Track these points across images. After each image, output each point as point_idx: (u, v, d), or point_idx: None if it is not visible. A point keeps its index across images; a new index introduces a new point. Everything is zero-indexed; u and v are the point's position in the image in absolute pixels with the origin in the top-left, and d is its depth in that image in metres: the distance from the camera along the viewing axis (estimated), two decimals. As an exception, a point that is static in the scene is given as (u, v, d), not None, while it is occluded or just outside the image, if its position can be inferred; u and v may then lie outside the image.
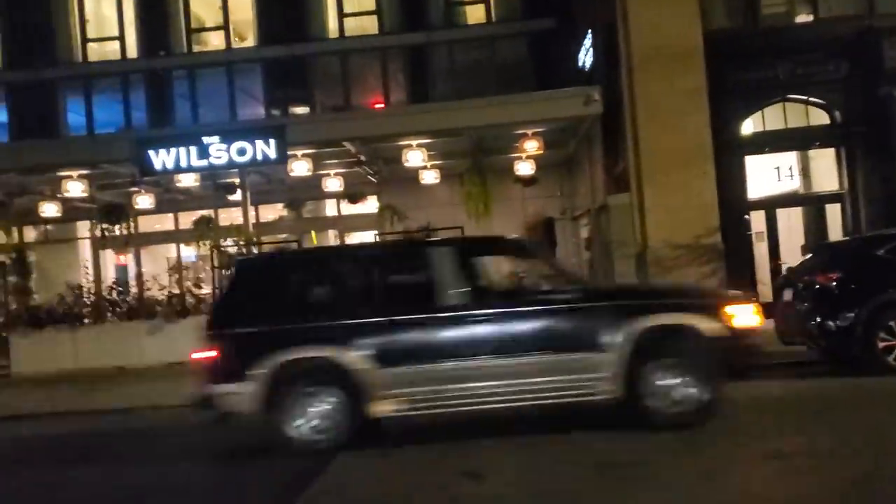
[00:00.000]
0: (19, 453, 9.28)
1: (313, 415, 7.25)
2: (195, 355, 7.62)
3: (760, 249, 15.10)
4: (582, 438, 7.29)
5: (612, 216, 14.95)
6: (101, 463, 8.20)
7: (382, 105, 22.90)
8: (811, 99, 15.12)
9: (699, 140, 14.50)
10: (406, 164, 16.93)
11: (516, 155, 17.55)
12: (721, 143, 14.65)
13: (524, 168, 17.66)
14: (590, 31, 16.78)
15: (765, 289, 14.73)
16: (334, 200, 22.20)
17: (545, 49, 22.80)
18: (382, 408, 7.26)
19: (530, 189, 19.09)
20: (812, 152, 15.76)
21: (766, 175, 15.61)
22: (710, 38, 14.55)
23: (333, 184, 19.15)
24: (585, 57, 17.44)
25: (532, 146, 16.22)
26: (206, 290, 17.26)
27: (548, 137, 16.48)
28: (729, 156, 14.83)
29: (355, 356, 7.21)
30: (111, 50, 24.76)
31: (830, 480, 5.52)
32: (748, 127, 15.29)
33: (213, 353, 7.49)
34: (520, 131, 16.13)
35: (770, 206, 15.26)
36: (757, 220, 15.15)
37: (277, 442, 7.36)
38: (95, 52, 24.82)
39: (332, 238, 22.78)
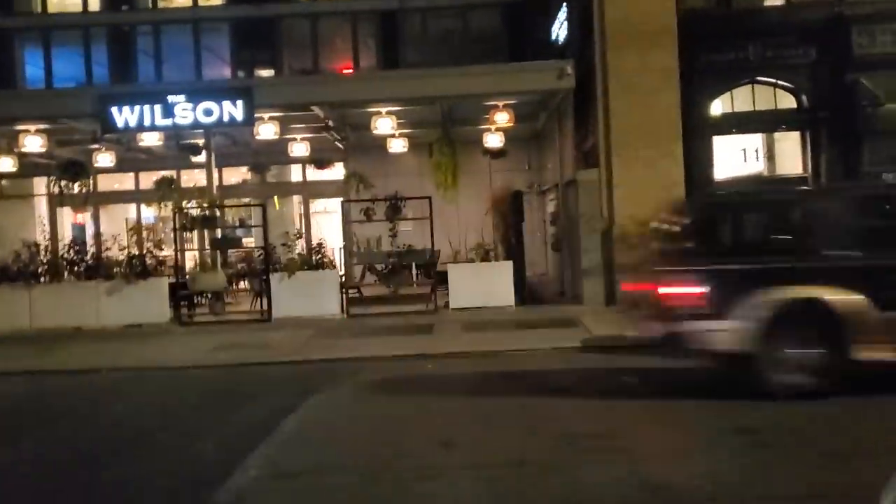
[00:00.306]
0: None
1: (798, 357, 7.08)
2: (664, 290, 7.37)
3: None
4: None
5: (580, 191, 14.97)
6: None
7: (351, 70, 22.58)
8: (779, 82, 15.24)
9: (669, 118, 14.59)
10: (374, 132, 16.73)
11: (485, 127, 17.45)
12: (690, 123, 14.75)
13: (493, 140, 17.57)
14: (564, 4, 16.67)
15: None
16: (300, 166, 21.92)
17: (519, 21, 22.62)
18: (871, 354, 7.02)
19: (498, 162, 19.03)
20: (778, 135, 15.92)
21: (733, 156, 15.76)
22: (683, 17, 14.59)
23: (300, 149, 18.90)
24: (559, 30, 17.37)
25: (502, 118, 16.13)
26: (166, 251, 16.97)
27: (518, 110, 16.39)
28: (697, 135, 14.93)
29: (848, 298, 6.97)
30: (72, 2, 24.00)
31: None
32: (717, 107, 15.38)
33: (697, 290, 7.20)
34: (491, 103, 16.01)
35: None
36: (722, 200, 15.24)
37: (755, 383, 7.16)
38: (55, 4, 24.04)
39: (295, 204, 22.55)
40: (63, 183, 16.87)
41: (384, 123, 16.41)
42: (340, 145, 20.08)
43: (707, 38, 14.96)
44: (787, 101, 15.33)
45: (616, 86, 14.60)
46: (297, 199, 22.58)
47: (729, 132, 15.45)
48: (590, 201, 14.84)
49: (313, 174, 21.58)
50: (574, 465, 5.55)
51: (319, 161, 19.79)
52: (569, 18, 16.47)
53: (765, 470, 5.33)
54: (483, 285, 15.24)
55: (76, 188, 17.00)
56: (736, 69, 15.13)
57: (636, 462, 5.58)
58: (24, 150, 16.69)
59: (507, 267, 15.32)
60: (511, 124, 16.34)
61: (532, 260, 18.57)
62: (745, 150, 15.79)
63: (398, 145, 18.34)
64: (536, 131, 20.13)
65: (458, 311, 14.97)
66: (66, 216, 22.54)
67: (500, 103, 15.91)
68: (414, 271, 16.41)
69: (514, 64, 16.14)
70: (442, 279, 15.63)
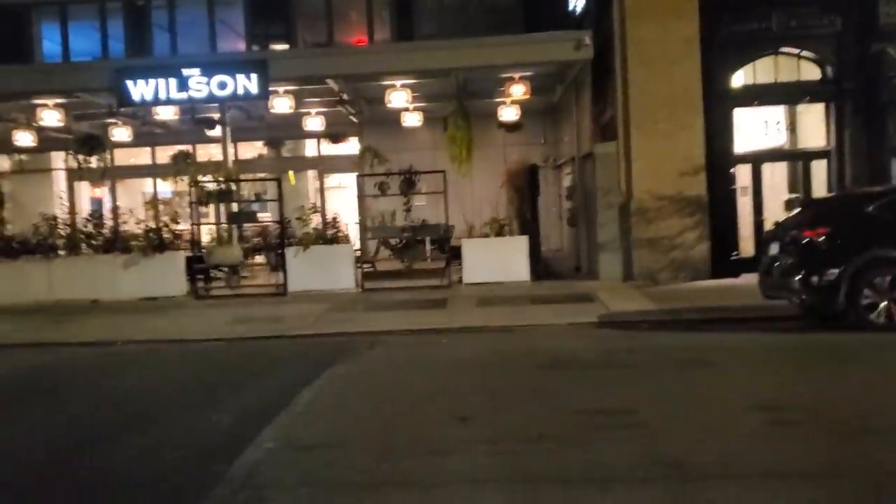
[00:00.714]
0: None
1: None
2: None
3: (744, 204, 15.04)
4: None
5: (598, 165, 14.79)
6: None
7: (366, 43, 22.37)
8: (803, 53, 14.92)
9: (689, 90, 14.38)
10: (389, 106, 16.62)
11: (501, 100, 17.28)
12: (710, 94, 14.53)
13: (508, 113, 17.40)
14: (583, -27, 16.38)
15: (747, 244, 14.75)
16: (314, 140, 21.85)
17: (535, -8, 22.29)
18: None
19: (513, 136, 18.87)
20: (800, 107, 15.63)
21: (754, 129, 15.49)
22: (704, -15, 14.29)
23: (314, 123, 18.85)
24: (577, 0, 17.07)
25: (519, 90, 15.94)
26: (183, 225, 16.98)
27: (534, 83, 16.19)
28: (718, 107, 14.69)
29: None
30: (88, -25, 23.85)
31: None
32: (739, 79, 15.08)
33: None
34: (507, 75, 15.83)
35: (756, 160, 15.15)
36: (742, 174, 15.05)
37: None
38: (72, -23, 23.89)
39: (310, 178, 22.49)
40: (80, 157, 16.88)
41: (398, 97, 16.29)
42: (355, 119, 19.98)
43: (729, 8, 14.67)
44: (811, 73, 15.02)
45: (635, 56, 14.38)
46: (311, 173, 22.55)
47: (750, 104, 15.17)
48: (607, 175, 14.66)
49: (328, 149, 21.52)
50: (590, 441, 5.47)
51: (334, 135, 19.70)
52: (587, -12, 16.19)
53: (782, 447, 5.23)
54: (497, 260, 15.16)
55: (93, 162, 17.02)
56: (758, 39, 14.82)
57: (652, 438, 5.50)
58: (41, 124, 16.75)
59: (522, 242, 15.22)
60: (527, 97, 16.17)
61: (547, 235, 18.47)
62: (766, 122, 15.52)
63: (412, 119, 18.22)
64: (552, 104, 19.91)
65: (473, 286, 14.91)
66: (84, 190, 22.65)
67: (516, 75, 15.72)
68: (428, 246, 16.34)
69: (530, 35, 15.89)
70: (456, 254, 15.56)
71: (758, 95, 15.15)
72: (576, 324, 10.90)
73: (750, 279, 13.58)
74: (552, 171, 20.30)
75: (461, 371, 8.24)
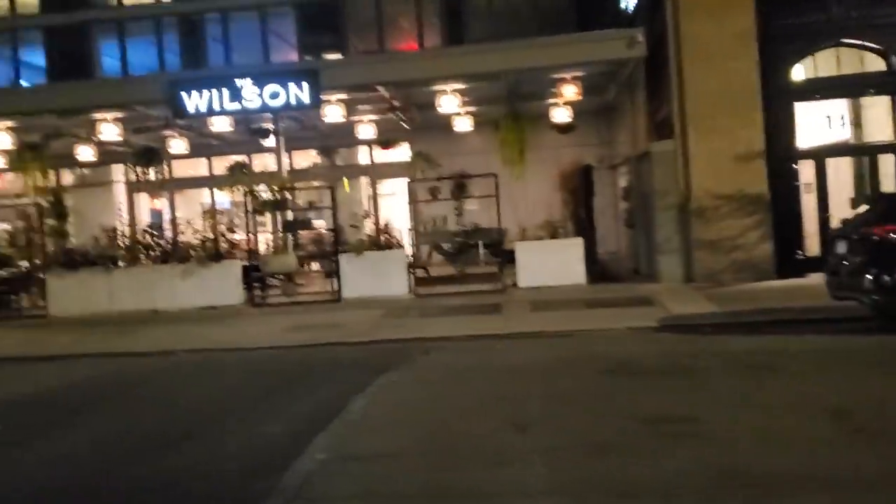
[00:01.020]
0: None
1: None
2: None
3: (808, 201, 14.53)
4: None
5: (655, 164, 14.45)
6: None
7: (416, 49, 22.39)
8: (866, 44, 14.35)
9: (747, 85, 14.00)
10: (439, 110, 16.55)
11: (552, 101, 17.05)
12: (770, 89, 14.13)
13: (561, 115, 17.17)
14: (635, -30, 16.08)
15: (812, 242, 14.26)
16: (366, 148, 21.95)
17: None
18: None
19: (566, 137, 18.59)
20: (865, 100, 15.06)
21: (816, 123, 14.97)
22: (761, -23, 13.89)
23: (366, 130, 18.92)
24: (628, -2, 16.78)
25: (571, 91, 15.71)
26: (239, 234, 17.20)
27: (586, 83, 15.94)
28: (777, 102, 14.26)
29: None
30: (144, -8, 24.47)
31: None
32: (798, 72, 14.60)
33: None
34: (558, 75, 15.61)
35: (819, 155, 14.63)
36: (805, 170, 14.55)
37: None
38: (129, -6, 24.53)
39: (363, 185, 22.57)
40: (139, 169, 17.21)
41: (449, 101, 16.23)
42: (406, 125, 19.97)
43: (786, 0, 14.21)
44: (875, 64, 14.45)
45: (690, 53, 14.05)
46: (364, 180, 22.63)
47: (812, 98, 14.67)
48: (665, 174, 14.33)
49: (380, 155, 21.57)
50: (656, 451, 5.25)
51: (385, 141, 19.71)
52: (639, -15, 15.88)
53: (856, 456, 4.95)
54: (552, 263, 14.94)
55: (151, 174, 17.34)
56: (818, 31, 14.31)
57: (721, 448, 5.26)
58: (101, 138, 17.13)
59: (578, 244, 14.98)
60: (579, 97, 15.92)
61: (603, 237, 18.16)
62: (829, 116, 14.98)
63: (463, 124, 18.14)
64: (606, 104, 19.60)
65: (527, 290, 14.72)
66: (144, 202, 23.14)
67: (568, 76, 15.50)
68: (481, 250, 16.20)
69: (582, 34, 15.66)
70: (509, 258, 15.38)
71: (819, 89, 14.65)
72: (636, 328, 10.63)
73: (816, 279, 13.12)
74: (607, 172, 19.96)
75: (518, 378, 8.08)
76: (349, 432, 6.34)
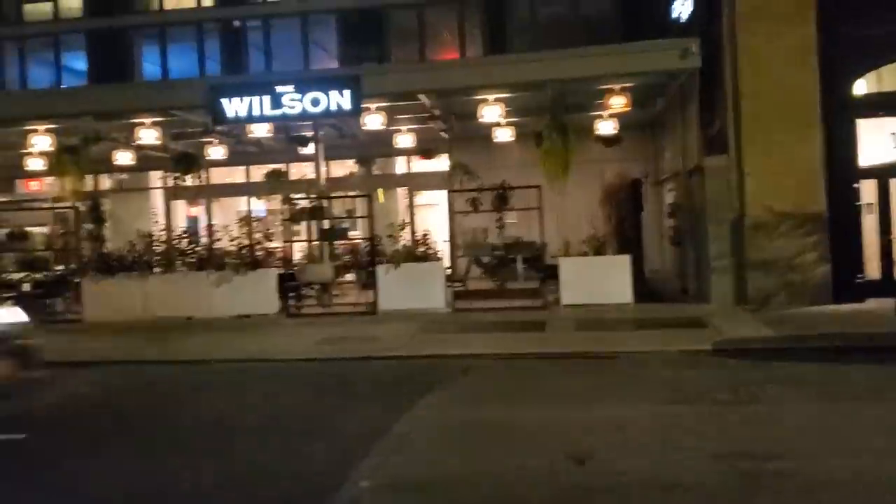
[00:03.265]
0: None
1: None
2: None
3: (869, 222, 13.85)
4: None
5: (707, 180, 13.86)
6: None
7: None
8: (935, 58, 13.69)
9: (806, 99, 13.43)
10: (481, 120, 16.13)
11: (597, 113, 16.53)
12: (830, 104, 13.51)
13: (606, 127, 16.63)
14: (690, -21, 15.55)
15: (872, 265, 13.58)
16: (404, 158, 21.63)
17: (632, 3, 21.56)
18: None
19: (610, 151, 18.02)
20: (932, 118, 14.34)
21: (880, 141, 14.25)
22: (822, -12, 13.33)
23: (405, 140, 18.58)
24: (682, 7, 16.24)
25: (619, 102, 15.17)
26: (275, 243, 16.92)
27: (634, 95, 15.41)
28: (838, 118, 13.63)
29: None
30: (186, -2, 24.54)
31: None
32: (861, 87, 13.96)
33: None
34: (606, 86, 15.11)
35: (883, 174, 13.90)
36: (867, 189, 13.88)
37: None
38: (171, 0, 24.62)
39: (400, 196, 22.25)
40: (176, 175, 17.03)
41: (491, 111, 15.80)
42: (445, 136, 19.60)
43: (849, 12, 13.58)
44: (945, 79, 13.77)
45: (746, 65, 13.51)
46: (401, 191, 22.30)
47: (875, 114, 13.99)
48: (717, 191, 13.75)
49: (418, 166, 21.25)
50: (737, 493, 4.73)
51: (426, 151, 19.35)
52: (694, -6, 15.35)
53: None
54: (597, 280, 14.40)
55: (189, 180, 17.15)
56: (883, 44, 13.63)
57: (810, 490, 4.73)
58: (140, 142, 16.98)
59: (624, 261, 14.43)
60: (627, 109, 15.39)
61: (647, 254, 17.55)
62: (894, 133, 14.26)
63: (504, 134, 17.70)
64: (653, 117, 19.05)
65: (570, 307, 14.19)
66: (181, 208, 23.05)
67: (617, 86, 14.98)
68: (520, 265, 15.73)
69: (632, 43, 15.12)
70: (550, 273, 14.87)
71: (883, 105, 13.97)
72: (689, 351, 10.07)
73: (878, 304, 12.50)
74: (652, 188, 19.39)
75: (568, 402, 7.60)
76: (393, 457, 5.92)
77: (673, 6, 16.96)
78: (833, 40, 13.48)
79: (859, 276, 13.49)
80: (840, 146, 13.61)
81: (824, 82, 13.43)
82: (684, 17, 16.08)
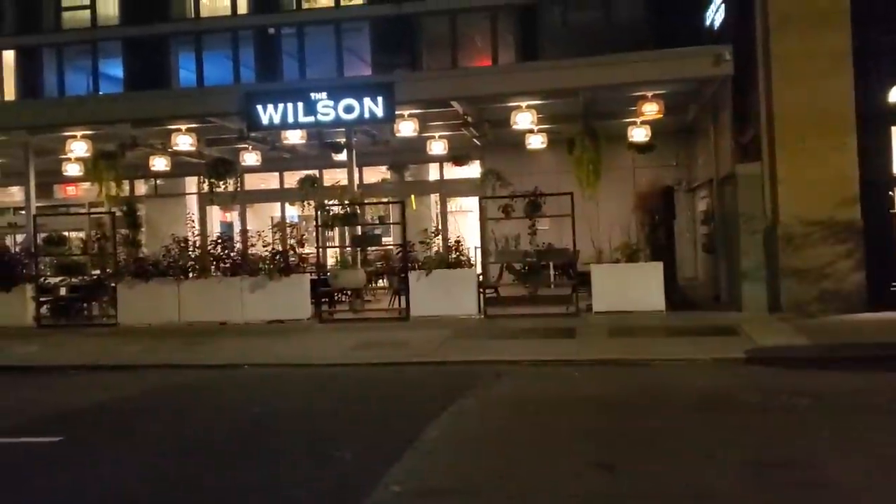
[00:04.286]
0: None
1: None
2: None
3: (906, 230, 13.66)
4: None
5: (740, 187, 13.74)
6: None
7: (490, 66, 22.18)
8: (974, 64, 13.47)
9: (840, 107, 13.27)
10: (514, 127, 16.18)
11: (630, 120, 16.51)
12: (865, 111, 13.36)
13: (639, 134, 16.59)
14: (723, -15, 15.48)
15: (909, 273, 13.39)
16: (437, 164, 21.74)
17: (664, 10, 21.48)
18: None
19: (643, 158, 17.98)
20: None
21: (917, 148, 14.08)
22: (857, -6, 13.19)
23: (437, 147, 18.68)
24: (715, 15, 16.17)
25: (651, 109, 15.14)
26: (309, 249, 17.09)
27: (667, 101, 15.35)
28: (873, 125, 13.48)
29: None
30: (222, 6, 24.89)
31: None
32: (896, 94, 13.79)
33: None
34: (638, 93, 15.08)
35: (920, 182, 13.75)
36: (903, 197, 13.70)
37: None
38: (207, 8, 25.00)
39: (433, 202, 22.35)
40: (212, 180, 17.27)
41: (524, 118, 15.85)
42: (478, 143, 19.67)
43: (886, 18, 13.45)
44: (984, 85, 13.52)
45: (780, 72, 13.39)
46: (434, 197, 22.41)
47: (912, 122, 13.81)
48: (750, 198, 13.64)
49: (450, 172, 21.32)
50: (769, 502, 4.72)
51: (458, 157, 19.42)
52: (726, 0, 15.26)
53: None
54: (629, 287, 14.35)
55: (223, 186, 17.38)
56: (922, 50, 13.49)
57: (841, 501, 4.71)
58: (176, 149, 17.27)
59: (657, 268, 14.36)
60: (659, 115, 15.35)
61: (680, 262, 17.44)
62: (932, 141, 14.08)
63: (536, 141, 17.73)
64: (685, 124, 18.96)
65: (603, 314, 14.15)
66: (216, 214, 23.36)
67: (649, 93, 14.95)
68: (552, 271, 15.70)
69: (664, 50, 15.07)
70: (582, 280, 14.85)
71: (921, 112, 13.78)
72: (722, 359, 10.01)
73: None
74: (685, 195, 19.27)
75: (599, 410, 7.60)
76: (423, 463, 5.97)
77: (706, 13, 16.89)
78: (868, 47, 13.36)
79: (894, 284, 13.30)
80: (875, 154, 13.45)
81: (859, 89, 13.29)
82: (717, 23, 16.01)
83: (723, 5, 15.56)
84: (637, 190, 16.97)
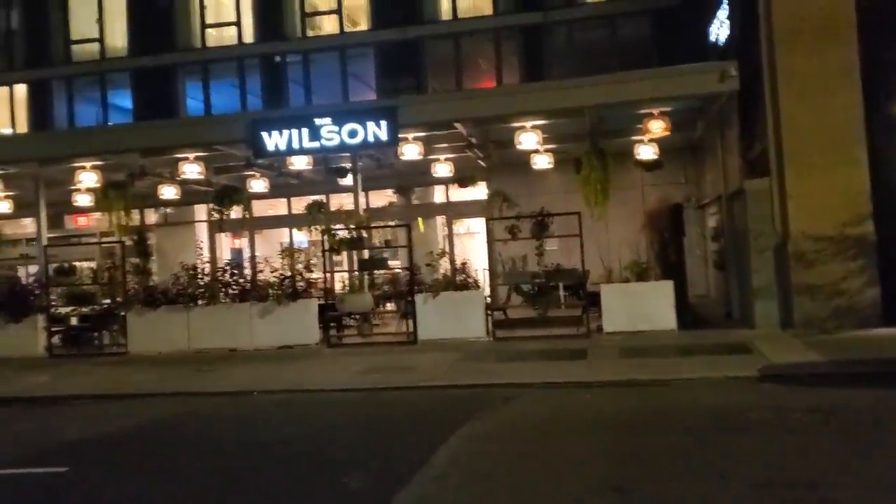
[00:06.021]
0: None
1: None
2: None
3: (919, 243, 13.47)
4: None
5: (750, 203, 13.64)
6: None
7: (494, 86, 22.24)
8: None
9: (849, 120, 13.14)
10: (519, 147, 16.12)
11: (637, 138, 16.44)
12: (875, 125, 13.21)
13: (646, 152, 16.50)
14: (726, 1, 15.46)
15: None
16: (443, 187, 21.73)
17: (668, 29, 21.55)
18: None
19: (651, 175, 17.90)
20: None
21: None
22: (864, 7, 13.10)
23: (443, 169, 18.66)
24: (719, 31, 16.15)
25: (658, 126, 15.08)
26: (316, 274, 17.05)
27: (673, 118, 15.31)
28: (884, 139, 13.32)
29: None
30: (228, 35, 25.14)
31: None
32: (906, 107, 13.67)
33: None
34: (645, 111, 15.03)
35: (931, 195, 13.58)
36: (915, 210, 13.52)
37: None
38: (213, 37, 25.25)
39: (439, 225, 22.32)
40: (220, 209, 17.30)
41: (529, 138, 15.80)
42: (483, 164, 19.64)
43: (891, 31, 13.36)
44: None
45: (787, 86, 13.30)
46: (440, 219, 22.39)
47: (923, 134, 13.68)
48: (760, 214, 13.53)
49: (456, 194, 21.32)
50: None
51: (463, 179, 19.41)
52: (731, 16, 15.25)
53: None
54: (640, 307, 14.22)
55: (232, 213, 17.42)
56: (930, 63, 13.39)
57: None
58: (184, 177, 17.32)
59: (667, 286, 14.23)
60: (666, 133, 15.27)
61: (691, 279, 17.29)
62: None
63: (542, 161, 17.65)
64: (693, 141, 18.90)
65: (613, 334, 14.02)
66: (225, 241, 23.40)
67: (656, 111, 14.90)
68: (561, 292, 15.58)
69: (670, 67, 15.07)
70: (592, 300, 14.72)
71: (932, 124, 13.65)
72: (735, 377, 9.85)
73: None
74: (694, 212, 19.16)
75: (610, 431, 7.48)
76: (433, 490, 5.87)
77: (710, 29, 16.88)
78: (876, 60, 13.23)
79: (910, 299, 13.11)
80: (885, 167, 13.29)
81: (868, 102, 13.16)
82: (721, 39, 15.98)
83: (727, 21, 15.53)
84: (646, 208, 16.89)
